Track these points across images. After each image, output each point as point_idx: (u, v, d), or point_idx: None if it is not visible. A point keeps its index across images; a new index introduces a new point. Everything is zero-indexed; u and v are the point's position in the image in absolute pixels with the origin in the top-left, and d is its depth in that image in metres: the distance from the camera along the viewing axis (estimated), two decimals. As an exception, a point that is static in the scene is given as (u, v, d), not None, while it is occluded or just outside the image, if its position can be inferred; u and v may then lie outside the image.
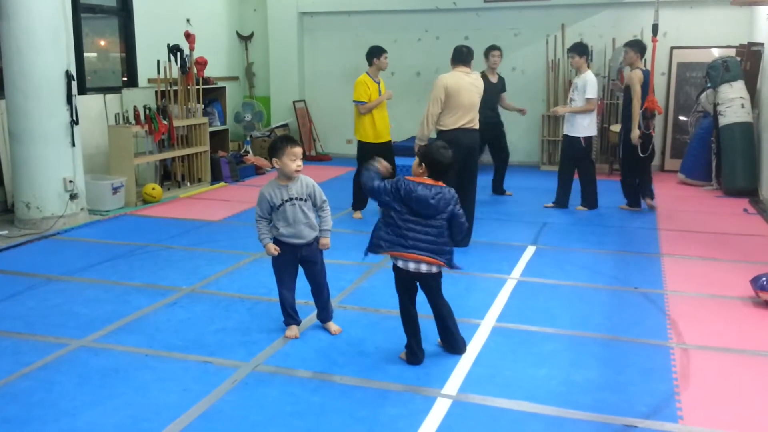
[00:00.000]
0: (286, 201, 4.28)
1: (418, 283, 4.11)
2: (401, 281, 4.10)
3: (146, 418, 3.45)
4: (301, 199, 4.32)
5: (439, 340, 4.26)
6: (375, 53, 7.84)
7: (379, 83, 7.80)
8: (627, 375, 3.96)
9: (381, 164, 4.10)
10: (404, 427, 3.37)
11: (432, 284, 4.12)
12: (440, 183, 4.01)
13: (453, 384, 3.83)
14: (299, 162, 4.27)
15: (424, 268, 3.99)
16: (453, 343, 4.21)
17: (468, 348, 4.26)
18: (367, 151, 7.57)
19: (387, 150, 7.87)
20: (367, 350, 4.28)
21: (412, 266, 3.99)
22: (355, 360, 4.14)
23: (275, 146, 4.27)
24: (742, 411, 3.57)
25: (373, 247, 4.06)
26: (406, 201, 3.92)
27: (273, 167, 4.32)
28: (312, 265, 4.48)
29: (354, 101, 7.76)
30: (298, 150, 4.28)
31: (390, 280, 5.61)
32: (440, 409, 3.55)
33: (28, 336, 4.50)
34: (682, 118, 10.96)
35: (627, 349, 4.34)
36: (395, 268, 4.08)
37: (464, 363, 4.09)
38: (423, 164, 4.00)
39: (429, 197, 3.93)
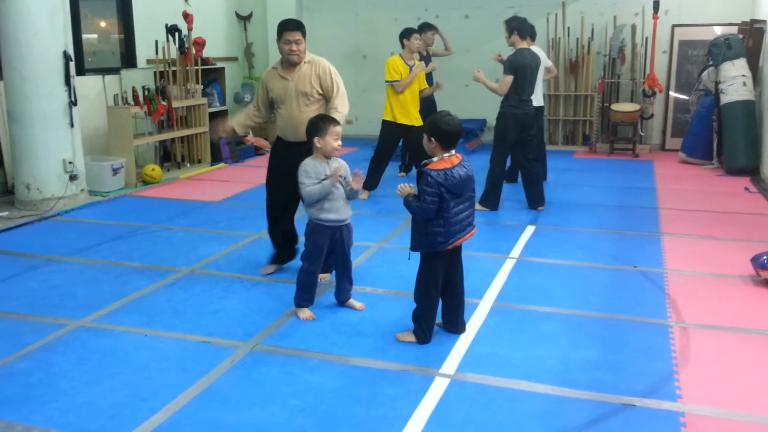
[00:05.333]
0: (329, 177, 4.34)
1: None
2: (443, 260, 4.03)
3: (144, 397, 3.46)
4: (340, 176, 4.38)
5: (438, 320, 4.25)
6: (404, 34, 7.82)
7: (412, 66, 7.71)
8: (626, 354, 3.96)
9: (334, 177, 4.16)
10: (402, 407, 3.37)
11: (459, 253, 4.15)
12: (459, 156, 3.98)
13: (451, 363, 3.83)
14: (340, 141, 4.38)
15: (461, 241, 4.03)
16: (456, 322, 4.21)
17: (467, 327, 4.26)
18: (389, 131, 7.77)
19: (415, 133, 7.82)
20: (366, 330, 4.28)
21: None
22: (353, 340, 4.15)
23: (318, 126, 4.34)
24: (742, 390, 3.58)
25: (433, 246, 3.94)
26: (451, 189, 3.85)
27: (316, 146, 4.35)
28: (343, 245, 4.50)
29: (386, 82, 7.73)
30: (340, 129, 4.39)
31: (389, 260, 5.65)
32: (438, 388, 3.56)
33: (27, 317, 4.51)
34: (681, 96, 10.91)
35: (626, 328, 4.34)
36: (438, 253, 3.98)
37: (462, 342, 4.09)
38: (432, 138, 3.94)
39: (471, 174, 3.96)
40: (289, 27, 4.95)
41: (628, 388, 3.55)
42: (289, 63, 5.00)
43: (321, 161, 4.36)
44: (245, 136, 5.25)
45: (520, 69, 7.01)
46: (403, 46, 7.82)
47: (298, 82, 4.98)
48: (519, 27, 7.18)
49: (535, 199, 7.38)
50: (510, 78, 6.99)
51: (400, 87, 7.58)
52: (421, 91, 7.97)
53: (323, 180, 4.30)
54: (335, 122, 4.39)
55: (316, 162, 4.35)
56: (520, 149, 7.38)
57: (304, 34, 4.98)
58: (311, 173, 4.31)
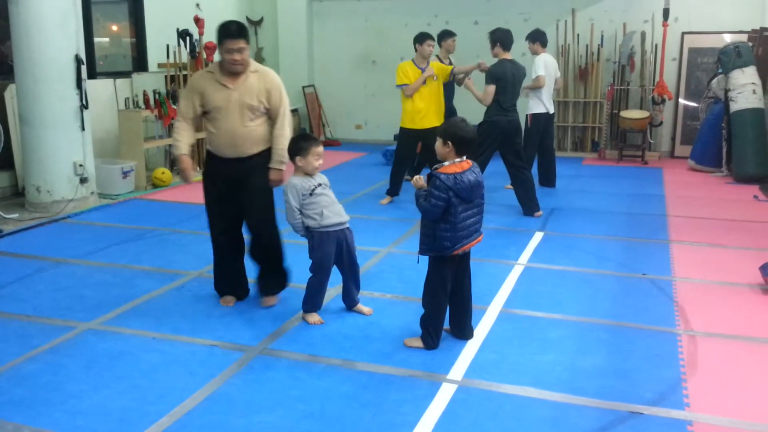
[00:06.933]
0: (318, 186, 4.38)
1: None
2: (452, 265, 4.03)
3: (152, 401, 3.47)
4: (326, 185, 4.45)
5: (446, 326, 4.24)
6: (417, 39, 7.83)
7: (424, 69, 7.66)
8: (633, 361, 3.95)
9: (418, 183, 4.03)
10: (409, 412, 3.37)
11: (468, 259, 4.15)
12: (469, 161, 3.99)
13: (458, 369, 3.83)
14: (321, 160, 4.39)
15: (468, 247, 4.02)
16: (464, 327, 4.21)
17: (474, 333, 4.26)
18: (405, 138, 7.77)
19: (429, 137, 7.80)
20: (373, 335, 4.28)
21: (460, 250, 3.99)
22: (360, 344, 4.15)
23: (300, 146, 4.35)
24: (750, 398, 3.56)
25: (440, 250, 3.94)
26: (460, 194, 3.86)
27: (297, 165, 4.37)
28: (349, 248, 4.51)
29: (396, 86, 7.74)
30: (321, 149, 4.40)
31: (397, 265, 5.65)
32: (445, 394, 3.56)
33: (36, 319, 4.53)
34: (690, 103, 10.89)
35: (634, 335, 4.33)
36: (446, 258, 3.98)
37: (470, 348, 4.09)
38: (448, 142, 3.94)
39: (480, 180, 3.96)
40: (232, 34, 4.35)
41: (636, 396, 3.54)
42: (232, 72, 4.46)
43: (305, 177, 4.39)
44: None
45: (501, 79, 7.27)
46: (416, 50, 7.81)
47: (244, 94, 4.45)
48: (501, 39, 7.40)
49: (529, 205, 7.37)
50: (492, 88, 7.27)
51: (409, 90, 7.54)
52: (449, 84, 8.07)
53: (314, 190, 4.33)
54: (317, 142, 4.39)
55: (302, 178, 4.36)
56: (506, 158, 7.42)
57: (247, 41, 4.44)
58: (300, 190, 4.32)
